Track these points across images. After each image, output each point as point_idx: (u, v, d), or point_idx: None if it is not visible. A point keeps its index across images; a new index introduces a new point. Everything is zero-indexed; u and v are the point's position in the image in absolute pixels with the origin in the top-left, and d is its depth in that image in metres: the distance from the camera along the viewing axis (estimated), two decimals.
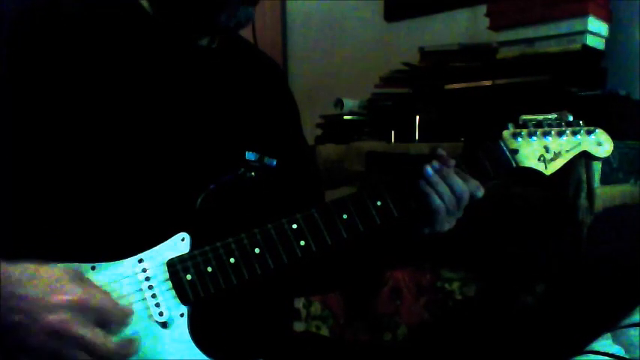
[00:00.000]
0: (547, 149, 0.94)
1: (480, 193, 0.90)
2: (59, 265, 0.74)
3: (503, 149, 0.93)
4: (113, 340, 0.73)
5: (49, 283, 0.71)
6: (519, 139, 0.94)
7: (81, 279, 0.74)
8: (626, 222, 1.48)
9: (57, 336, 0.69)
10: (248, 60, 1.04)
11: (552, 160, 0.94)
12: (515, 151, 0.93)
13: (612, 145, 0.97)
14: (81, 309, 0.71)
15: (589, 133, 0.96)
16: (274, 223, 0.85)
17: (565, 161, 0.95)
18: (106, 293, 0.77)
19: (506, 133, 0.94)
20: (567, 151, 0.95)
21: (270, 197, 0.93)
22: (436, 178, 0.88)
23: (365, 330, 1.69)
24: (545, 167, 0.94)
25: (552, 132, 0.95)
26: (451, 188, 0.88)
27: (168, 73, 0.91)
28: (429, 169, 0.89)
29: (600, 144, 0.96)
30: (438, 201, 0.88)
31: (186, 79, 0.93)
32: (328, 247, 0.86)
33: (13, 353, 0.71)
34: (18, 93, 0.82)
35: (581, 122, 0.97)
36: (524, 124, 0.95)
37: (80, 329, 0.70)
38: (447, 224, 0.91)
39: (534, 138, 0.94)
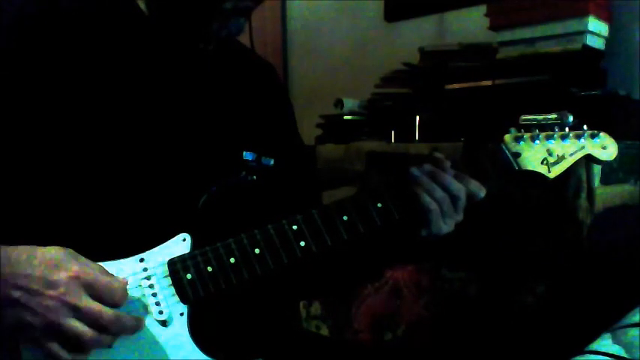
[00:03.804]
0: (550, 153, 0.94)
1: (482, 193, 0.90)
2: (52, 247, 0.75)
3: (506, 153, 0.92)
4: (114, 311, 0.75)
5: (46, 262, 0.73)
6: (522, 142, 0.93)
7: (76, 257, 0.76)
8: (626, 222, 1.48)
9: (55, 310, 0.71)
10: (243, 62, 1.04)
11: (556, 163, 0.94)
12: (517, 155, 0.93)
13: (616, 148, 0.96)
14: (78, 283, 0.73)
15: (593, 136, 0.96)
16: (274, 223, 0.85)
17: (569, 165, 0.95)
18: (102, 268, 0.78)
19: (508, 137, 0.93)
20: (571, 154, 0.95)
21: (270, 199, 0.93)
22: (424, 179, 0.88)
23: (365, 330, 1.69)
24: (549, 171, 0.94)
25: (555, 135, 0.94)
26: (443, 188, 0.88)
27: (166, 74, 0.92)
28: (414, 171, 0.89)
29: (604, 147, 0.96)
30: (428, 200, 0.87)
31: (183, 80, 0.93)
32: (328, 248, 0.86)
33: (14, 330, 0.72)
34: (17, 93, 0.82)
35: (584, 126, 0.96)
36: (527, 128, 0.95)
37: (77, 300, 0.72)
38: (445, 226, 0.90)
39: (537, 141, 0.93)
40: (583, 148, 0.95)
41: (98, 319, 0.73)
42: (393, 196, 0.89)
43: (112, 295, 0.75)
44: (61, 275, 0.72)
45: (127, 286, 0.79)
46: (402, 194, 0.89)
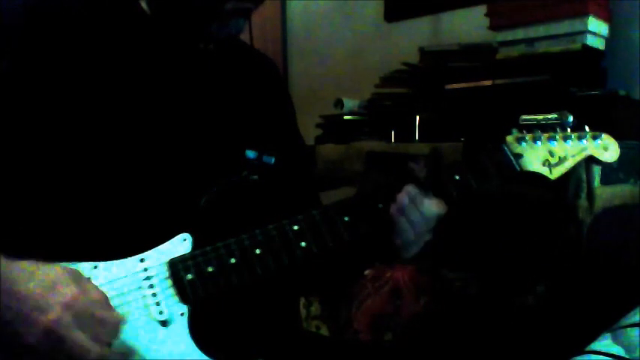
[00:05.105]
0: (552, 154, 0.94)
1: (442, 212, 0.90)
2: (58, 265, 0.74)
3: (507, 154, 0.92)
4: (101, 349, 0.73)
5: (45, 284, 0.71)
6: (524, 143, 0.93)
7: (78, 280, 0.74)
8: (626, 222, 1.48)
9: (50, 336, 0.69)
10: (244, 59, 1.04)
11: (557, 164, 0.94)
12: (519, 156, 0.93)
13: (618, 149, 0.97)
14: (75, 311, 0.71)
15: (595, 137, 0.96)
16: (275, 224, 0.85)
17: (570, 166, 0.95)
18: (103, 296, 0.77)
19: (510, 138, 0.93)
20: (573, 155, 0.95)
21: (271, 199, 0.93)
22: (411, 208, 0.87)
23: (365, 330, 1.68)
24: (550, 172, 0.94)
25: (557, 137, 0.94)
26: (422, 215, 0.88)
27: (167, 74, 0.92)
28: (405, 200, 0.87)
29: (606, 149, 0.96)
30: (406, 228, 0.88)
31: (185, 79, 0.93)
32: (329, 249, 0.86)
33: (10, 350, 0.71)
34: (19, 93, 0.82)
35: (586, 127, 0.96)
36: (529, 129, 0.95)
37: (72, 332, 0.70)
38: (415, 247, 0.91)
39: (539, 142, 0.93)
40: (585, 149, 0.95)
41: (82, 357, 0.71)
42: (394, 197, 0.89)
43: (102, 332, 0.73)
44: (55, 299, 0.70)
45: (124, 320, 0.77)
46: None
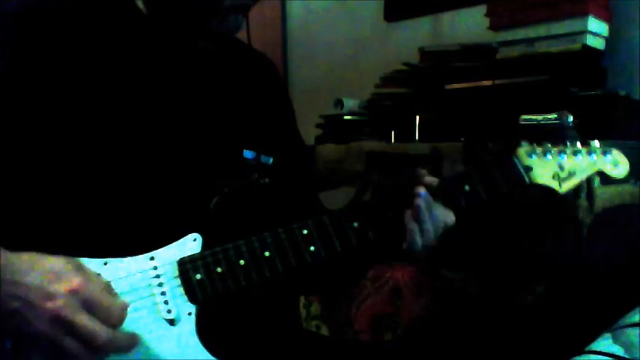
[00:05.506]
0: (562, 168, 0.93)
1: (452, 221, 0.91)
2: (58, 257, 0.74)
3: (517, 166, 0.92)
4: (110, 332, 0.73)
5: (48, 273, 0.71)
6: (534, 156, 0.93)
7: (80, 269, 0.75)
8: (626, 222, 1.48)
9: (55, 323, 0.70)
10: (242, 59, 1.04)
11: (567, 178, 0.93)
12: (529, 169, 0.92)
13: (628, 166, 0.97)
14: (77, 298, 0.71)
15: (605, 153, 0.96)
16: (285, 227, 0.85)
17: (580, 180, 0.95)
18: (106, 283, 0.78)
19: (520, 151, 0.93)
20: (582, 170, 0.94)
21: (271, 199, 0.94)
22: (424, 216, 0.88)
23: (365, 330, 1.69)
24: (560, 185, 0.93)
25: (567, 151, 0.94)
26: (433, 223, 0.89)
27: (167, 73, 0.92)
28: (419, 208, 0.87)
29: (616, 164, 0.96)
30: (416, 235, 0.88)
31: (182, 78, 0.93)
32: (337, 254, 0.87)
33: (20, 338, 0.72)
34: (20, 92, 0.82)
35: (597, 142, 0.96)
36: (540, 142, 0.94)
37: (73, 316, 0.70)
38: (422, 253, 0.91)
39: (549, 156, 0.93)
40: (594, 164, 0.95)
41: (91, 340, 0.71)
42: (404, 204, 0.88)
43: (109, 316, 0.73)
44: (61, 287, 0.70)
45: (128, 306, 0.78)
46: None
